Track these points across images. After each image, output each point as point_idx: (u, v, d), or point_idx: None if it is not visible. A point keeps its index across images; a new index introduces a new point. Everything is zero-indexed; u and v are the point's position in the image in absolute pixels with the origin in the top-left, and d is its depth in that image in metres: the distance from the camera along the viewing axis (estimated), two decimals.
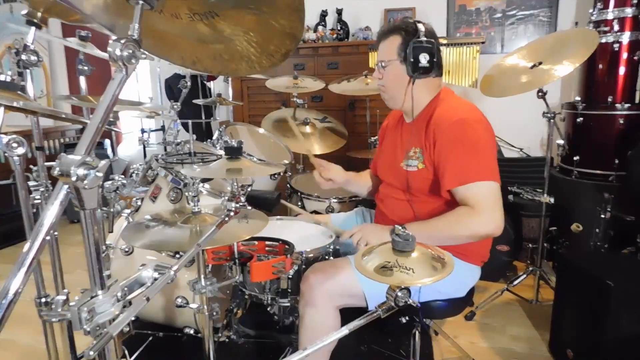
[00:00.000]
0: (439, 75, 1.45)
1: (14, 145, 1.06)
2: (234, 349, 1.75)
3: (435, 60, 1.38)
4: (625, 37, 2.27)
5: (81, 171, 0.56)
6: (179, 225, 1.24)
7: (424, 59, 1.36)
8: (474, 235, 1.30)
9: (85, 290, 0.65)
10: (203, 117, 3.21)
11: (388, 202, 1.54)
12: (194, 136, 1.87)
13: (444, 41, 2.41)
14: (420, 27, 1.37)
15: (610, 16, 2.29)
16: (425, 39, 1.36)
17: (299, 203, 2.31)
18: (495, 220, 1.27)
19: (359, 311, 1.26)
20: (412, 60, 1.36)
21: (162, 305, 1.72)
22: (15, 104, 1.00)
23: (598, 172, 2.33)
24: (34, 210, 1.31)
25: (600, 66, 2.38)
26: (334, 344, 1.27)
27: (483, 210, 1.27)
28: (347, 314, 1.32)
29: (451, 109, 1.38)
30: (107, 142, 3.84)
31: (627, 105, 2.26)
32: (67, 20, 1.44)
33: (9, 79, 1.07)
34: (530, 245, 2.46)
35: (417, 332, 1.46)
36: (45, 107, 2.16)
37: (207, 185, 1.74)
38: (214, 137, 2.25)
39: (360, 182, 1.79)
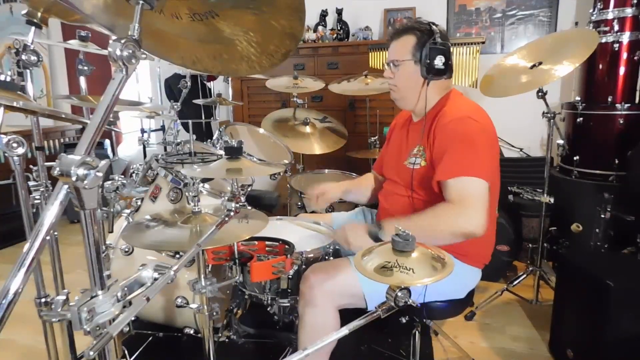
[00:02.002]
0: (449, 77, 1.45)
1: (14, 145, 1.06)
2: (234, 349, 1.75)
3: (449, 62, 1.38)
4: (625, 37, 2.27)
5: (81, 171, 0.56)
6: (179, 225, 1.24)
7: (439, 61, 1.36)
8: (454, 232, 1.24)
9: (85, 290, 0.65)
10: (203, 117, 3.21)
11: (390, 198, 1.54)
12: (194, 136, 1.86)
13: None
14: (435, 28, 1.38)
15: (610, 16, 2.29)
16: (440, 40, 1.36)
17: (299, 203, 2.32)
18: (477, 219, 1.22)
19: (359, 311, 1.26)
20: (428, 61, 1.36)
21: (162, 305, 1.72)
22: (15, 104, 1.00)
23: (598, 172, 2.33)
24: (34, 210, 1.32)
25: (600, 66, 2.38)
26: (334, 343, 1.27)
27: (465, 206, 1.23)
28: (347, 314, 1.31)
29: (456, 108, 1.39)
30: (107, 142, 3.84)
31: (627, 105, 2.26)
32: (67, 20, 1.44)
33: (9, 79, 1.07)
34: (530, 245, 2.46)
35: (417, 332, 1.46)
36: (45, 107, 2.16)
37: (207, 185, 1.74)
38: (214, 137, 2.25)
39: (360, 189, 1.79)
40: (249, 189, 1.85)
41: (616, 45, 2.29)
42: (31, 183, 1.33)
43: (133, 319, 0.70)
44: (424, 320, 1.48)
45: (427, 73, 1.38)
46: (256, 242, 1.46)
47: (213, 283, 1.22)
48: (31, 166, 1.34)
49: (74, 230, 3.50)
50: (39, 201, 1.36)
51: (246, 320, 1.76)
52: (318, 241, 1.57)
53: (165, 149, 2.11)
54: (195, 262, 1.26)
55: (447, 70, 1.40)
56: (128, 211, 1.78)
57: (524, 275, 2.28)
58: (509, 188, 2.47)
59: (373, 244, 0.89)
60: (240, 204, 1.26)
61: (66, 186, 0.59)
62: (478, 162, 1.28)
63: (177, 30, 0.81)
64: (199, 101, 2.58)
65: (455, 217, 1.23)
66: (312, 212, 2.17)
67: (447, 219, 1.25)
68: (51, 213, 0.60)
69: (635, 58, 2.27)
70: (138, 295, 0.74)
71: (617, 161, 2.27)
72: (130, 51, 0.61)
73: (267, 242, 1.46)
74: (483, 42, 2.50)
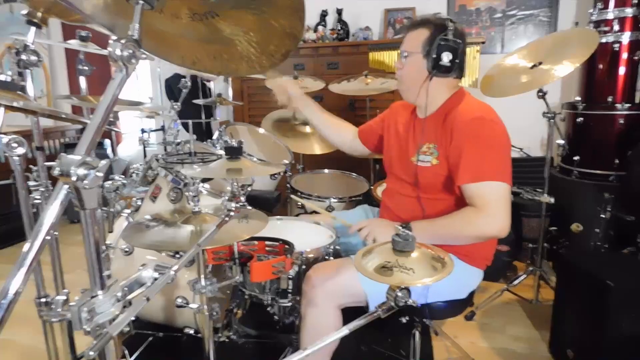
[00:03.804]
0: (459, 76, 1.43)
1: (14, 145, 1.06)
2: (234, 349, 1.75)
3: (457, 61, 1.36)
4: (625, 37, 2.27)
5: (81, 171, 0.56)
6: (179, 225, 1.24)
7: (446, 57, 1.34)
8: (479, 236, 1.29)
9: (85, 290, 0.65)
10: (203, 117, 3.21)
11: (395, 197, 1.54)
12: (194, 136, 1.86)
13: None
14: (450, 25, 1.35)
15: (610, 16, 2.29)
16: (452, 38, 1.34)
17: (299, 203, 2.31)
18: (502, 222, 1.26)
19: (359, 311, 1.26)
20: (434, 56, 1.35)
21: (162, 305, 1.72)
22: (15, 104, 1.00)
23: (598, 172, 2.33)
24: (34, 210, 1.31)
25: (600, 66, 2.38)
26: (336, 343, 1.27)
27: (490, 210, 1.25)
28: (348, 314, 1.31)
29: (470, 108, 1.37)
30: (107, 142, 3.84)
31: (627, 105, 2.26)
32: (67, 20, 1.44)
33: (9, 79, 1.07)
34: (530, 245, 2.46)
35: (417, 332, 1.46)
36: (45, 107, 2.16)
37: (207, 185, 1.74)
38: (214, 137, 2.25)
39: (328, 121, 1.83)
40: (249, 189, 1.85)
41: (616, 45, 2.29)
42: (31, 183, 1.33)
43: (133, 319, 0.69)
44: (424, 320, 1.48)
45: (432, 68, 1.36)
46: (256, 242, 1.46)
47: (213, 283, 1.22)
48: (31, 166, 1.34)
49: (74, 230, 3.50)
50: (39, 201, 1.36)
51: (246, 321, 1.76)
52: (318, 241, 1.57)
53: (165, 149, 2.11)
54: (195, 262, 1.26)
55: (453, 69, 1.37)
56: (128, 211, 1.78)
57: (524, 275, 2.28)
58: None
59: (374, 245, 0.89)
60: (240, 204, 1.26)
61: (66, 186, 0.59)
62: (500, 165, 1.29)
63: (177, 30, 0.81)
64: (199, 101, 2.58)
65: (482, 223, 1.26)
66: (313, 212, 2.17)
67: (473, 224, 1.28)
68: (51, 213, 0.60)
69: (635, 58, 2.27)
70: (138, 295, 0.74)
71: (617, 161, 2.27)
72: (130, 51, 0.61)
73: (267, 242, 1.46)
74: (483, 42, 2.50)
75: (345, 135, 1.83)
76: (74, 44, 1.77)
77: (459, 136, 1.32)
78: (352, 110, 3.16)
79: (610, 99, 2.31)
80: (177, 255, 1.69)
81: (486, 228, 1.26)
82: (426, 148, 1.41)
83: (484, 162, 1.28)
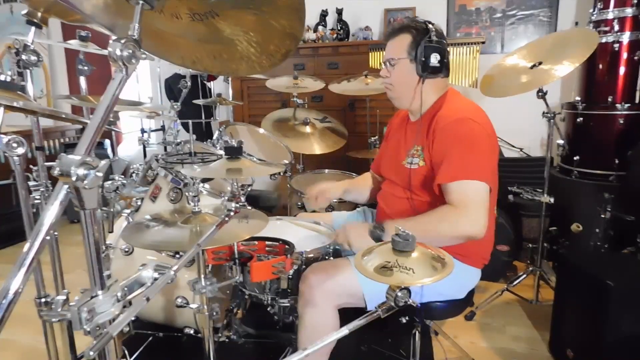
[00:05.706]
0: (446, 75, 1.45)
1: (14, 145, 1.06)
2: (234, 349, 1.75)
3: (444, 61, 1.39)
4: (625, 37, 2.27)
5: (81, 171, 0.56)
6: (179, 225, 1.24)
7: (434, 59, 1.36)
8: (455, 235, 1.27)
9: (85, 290, 0.65)
10: (203, 117, 3.21)
11: (389, 199, 1.54)
12: (194, 136, 1.87)
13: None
14: (431, 27, 1.38)
15: (610, 16, 2.29)
16: (436, 39, 1.37)
17: (299, 203, 2.31)
18: (478, 222, 1.24)
19: (359, 311, 1.26)
20: (423, 59, 1.36)
21: (162, 305, 1.72)
22: (15, 104, 1.00)
23: (598, 172, 2.33)
24: (34, 210, 1.31)
25: (600, 66, 2.38)
26: (333, 343, 1.27)
27: (467, 209, 1.25)
28: (347, 314, 1.31)
29: (455, 109, 1.38)
30: (107, 142, 3.84)
31: (627, 105, 2.26)
32: (67, 20, 1.44)
33: (9, 79, 1.07)
34: (530, 245, 2.46)
35: (417, 332, 1.46)
36: (45, 107, 2.16)
37: (207, 185, 1.74)
38: (214, 137, 2.25)
39: (358, 189, 1.80)
40: (249, 189, 1.85)
41: (616, 45, 2.29)
42: (31, 183, 1.33)
43: (133, 319, 0.69)
44: (424, 320, 1.48)
45: (423, 71, 1.38)
46: (256, 242, 1.46)
47: (213, 283, 1.22)
48: (31, 166, 1.34)
49: (74, 230, 3.50)
50: (39, 201, 1.36)
51: (246, 321, 1.76)
52: (318, 241, 1.57)
53: (165, 149, 2.11)
54: (195, 262, 1.26)
55: (442, 69, 1.40)
56: (128, 211, 1.78)
57: (524, 275, 2.28)
58: (509, 188, 2.47)
59: (374, 245, 0.89)
60: (240, 204, 1.26)
61: (66, 186, 0.59)
62: (479, 165, 1.29)
63: (177, 30, 0.81)
64: (199, 101, 2.58)
65: (457, 221, 1.25)
66: (313, 211, 2.17)
67: (448, 222, 1.26)
68: (51, 213, 0.60)
69: (635, 58, 2.27)
70: (138, 295, 0.74)
71: (617, 161, 2.27)
72: (130, 51, 0.61)
73: (267, 242, 1.46)
74: (483, 42, 2.50)
75: (369, 182, 1.83)
76: (74, 44, 1.77)
77: (441, 137, 1.33)
78: (352, 110, 3.17)
79: (610, 99, 2.31)
80: (177, 255, 1.69)
81: (464, 228, 1.24)
82: (415, 150, 1.43)
83: (463, 161, 1.28)
